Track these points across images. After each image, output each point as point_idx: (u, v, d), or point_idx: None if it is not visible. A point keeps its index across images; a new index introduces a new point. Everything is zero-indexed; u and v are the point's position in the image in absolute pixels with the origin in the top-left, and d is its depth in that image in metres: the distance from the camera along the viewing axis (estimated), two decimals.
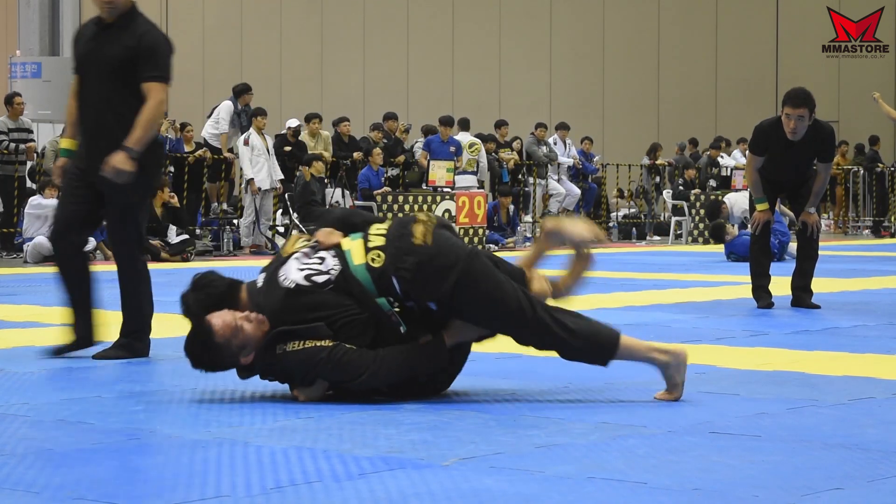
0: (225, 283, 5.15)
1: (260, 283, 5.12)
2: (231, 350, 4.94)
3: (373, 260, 4.98)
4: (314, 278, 4.99)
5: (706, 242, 20.11)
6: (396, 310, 4.96)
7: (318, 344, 4.89)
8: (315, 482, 3.62)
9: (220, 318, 4.94)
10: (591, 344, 4.97)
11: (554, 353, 5.07)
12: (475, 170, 20.56)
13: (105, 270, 15.45)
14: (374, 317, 4.95)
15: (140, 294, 6.70)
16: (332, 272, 4.99)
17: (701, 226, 21.51)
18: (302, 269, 5.02)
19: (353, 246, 5.06)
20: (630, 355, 5.03)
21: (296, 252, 5.12)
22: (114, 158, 6.22)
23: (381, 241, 5.02)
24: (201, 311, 5.04)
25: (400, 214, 17.77)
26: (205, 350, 4.96)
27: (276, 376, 5.05)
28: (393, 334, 4.96)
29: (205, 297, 5.08)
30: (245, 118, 18.88)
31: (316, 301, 4.95)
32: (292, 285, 4.98)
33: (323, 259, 5.04)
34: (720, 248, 16.50)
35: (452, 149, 19.86)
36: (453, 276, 4.92)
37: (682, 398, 5.04)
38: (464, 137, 20.75)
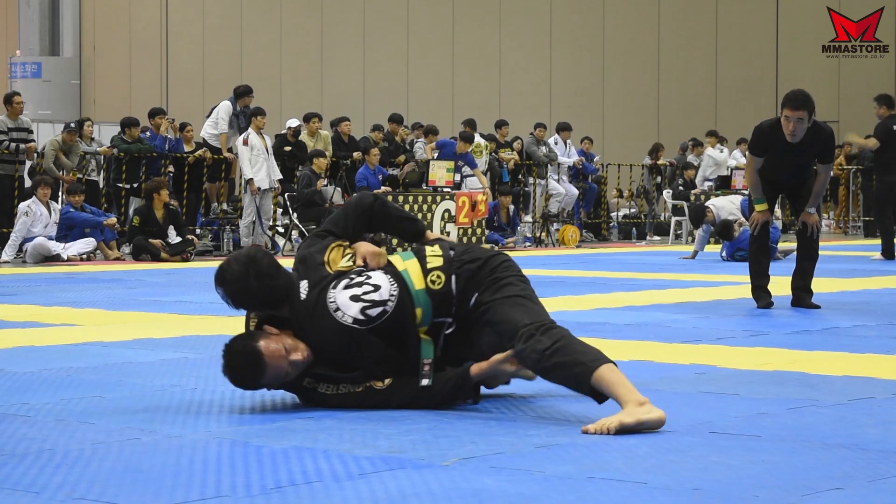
0: (284, 285, 4.84)
1: (304, 293, 4.85)
2: (265, 384, 4.81)
3: (433, 282, 4.83)
4: (368, 311, 4.76)
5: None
6: (430, 360, 4.80)
7: (352, 391, 4.80)
8: (315, 482, 3.61)
9: (274, 363, 4.70)
10: (569, 372, 4.55)
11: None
12: (485, 169, 20.64)
13: (105, 270, 15.48)
14: (407, 361, 4.81)
15: None
16: (389, 303, 4.79)
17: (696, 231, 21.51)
18: (356, 301, 4.78)
19: (409, 266, 4.88)
20: (607, 389, 4.50)
21: (343, 271, 4.89)
22: None
23: (440, 262, 4.88)
24: (247, 304, 4.83)
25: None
26: (248, 377, 4.76)
27: (292, 391, 4.95)
28: (414, 373, 4.81)
29: (263, 294, 4.78)
30: (244, 119, 18.88)
31: (362, 352, 4.77)
32: (348, 321, 4.76)
33: (378, 286, 4.83)
34: (717, 248, 16.50)
35: (461, 163, 19.80)
36: (506, 261, 4.91)
37: (683, 402, 5.03)
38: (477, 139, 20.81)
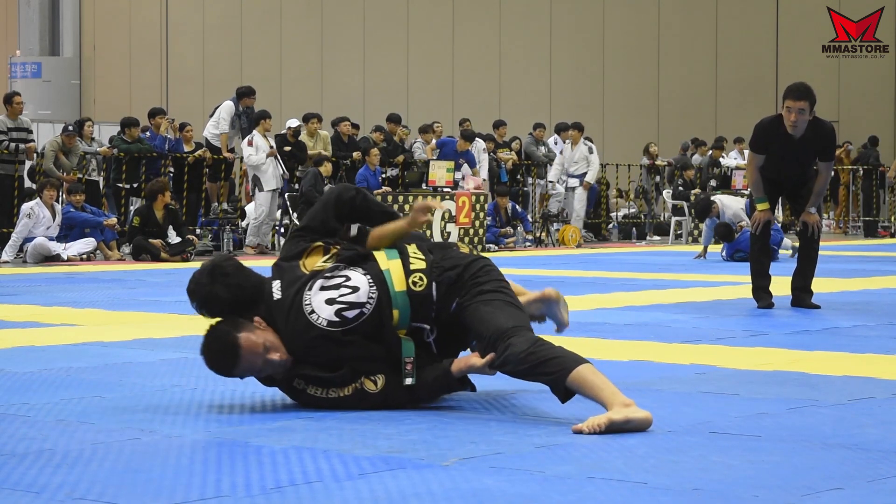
0: (252, 284, 4.86)
1: (277, 294, 4.83)
2: (237, 374, 4.81)
3: (414, 283, 4.80)
4: (345, 313, 4.74)
5: None
6: (411, 359, 4.78)
7: (340, 394, 4.77)
8: (315, 482, 3.61)
9: (248, 356, 4.70)
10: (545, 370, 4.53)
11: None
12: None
13: (105, 270, 15.47)
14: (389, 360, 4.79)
15: None
16: (367, 306, 4.76)
17: (701, 226, 21.50)
18: (331, 304, 4.75)
19: (392, 267, 4.85)
20: (589, 391, 4.48)
21: (318, 270, 4.87)
22: None
23: (422, 265, 4.86)
24: (217, 309, 4.82)
25: (401, 215, 17.76)
26: (222, 364, 4.77)
27: (283, 391, 4.94)
28: (397, 373, 4.79)
29: (228, 294, 4.80)
30: (245, 120, 18.86)
31: (341, 352, 4.75)
32: (322, 324, 4.73)
33: (357, 288, 4.78)
34: (719, 248, 16.50)
35: (462, 161, 19.79)
36: (487, 266, 4.88)
37: (683, 402, 5.03)
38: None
